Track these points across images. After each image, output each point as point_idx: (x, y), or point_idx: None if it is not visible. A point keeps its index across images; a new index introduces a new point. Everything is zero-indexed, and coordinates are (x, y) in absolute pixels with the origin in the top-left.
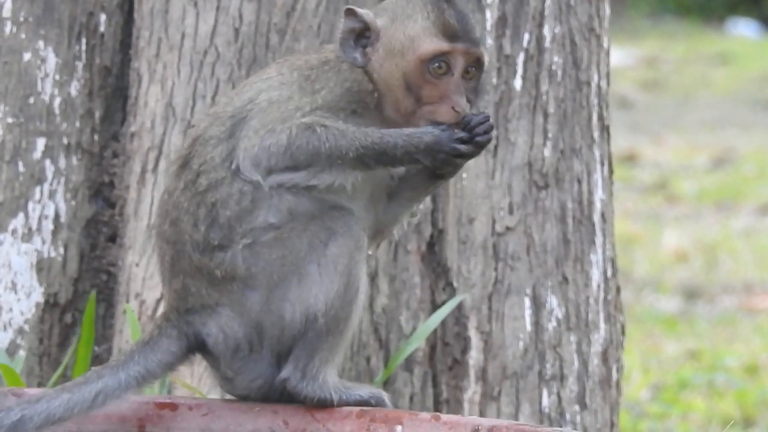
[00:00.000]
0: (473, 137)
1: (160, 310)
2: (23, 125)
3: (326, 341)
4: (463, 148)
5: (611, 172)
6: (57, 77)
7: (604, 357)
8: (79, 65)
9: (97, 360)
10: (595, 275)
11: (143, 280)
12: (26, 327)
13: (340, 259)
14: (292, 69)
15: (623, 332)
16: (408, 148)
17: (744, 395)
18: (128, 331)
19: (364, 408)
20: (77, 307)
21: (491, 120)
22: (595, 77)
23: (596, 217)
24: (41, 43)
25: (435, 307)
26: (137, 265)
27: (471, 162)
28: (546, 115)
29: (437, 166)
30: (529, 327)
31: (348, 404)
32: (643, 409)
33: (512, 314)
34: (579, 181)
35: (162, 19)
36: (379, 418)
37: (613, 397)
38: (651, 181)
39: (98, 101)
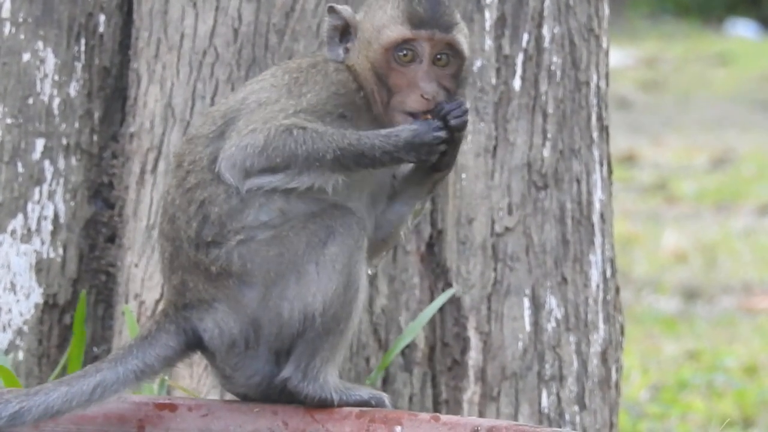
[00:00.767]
0: (447, 123)
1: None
2: (22, 126)
3: (327, 341)
4: (442, 134)
5: (610, 172)
6: (56, 78)
7: (604, 357)
8: (79, 66)
9: (96, 361)
10: (595, 276)
11: (142, 280)
12: (25, 328)
13: (339, 259)
14: (285, 72)
15: (622, 333)
16: (386, 148)
17: (743, 395)
18: (127, 331)
19: (364, 408)
20: (76, 308)
21: (466, 105)
22: (594, 77)
23: (595, 218)
24: (40, 44)
25: None
26: (136, 265)
27: (470, 162)
28: (545, 116)
29: (424, 160)
30: (528, 327)
31: (348, 405)
32: (642, 410)
33: (511, 315)
34: (578, 182)
35: (161, 19)
36: (378, 418)
37: (612, 398)
38: (650, 182)
39: (97, 102)
